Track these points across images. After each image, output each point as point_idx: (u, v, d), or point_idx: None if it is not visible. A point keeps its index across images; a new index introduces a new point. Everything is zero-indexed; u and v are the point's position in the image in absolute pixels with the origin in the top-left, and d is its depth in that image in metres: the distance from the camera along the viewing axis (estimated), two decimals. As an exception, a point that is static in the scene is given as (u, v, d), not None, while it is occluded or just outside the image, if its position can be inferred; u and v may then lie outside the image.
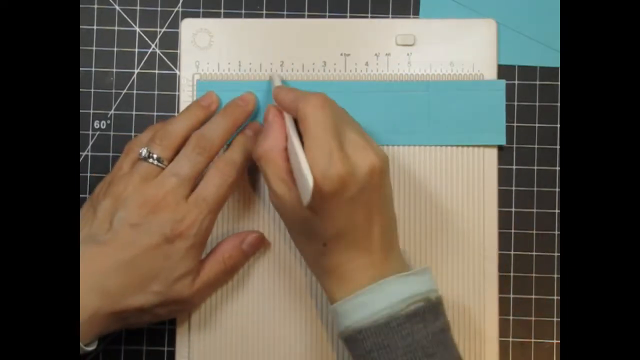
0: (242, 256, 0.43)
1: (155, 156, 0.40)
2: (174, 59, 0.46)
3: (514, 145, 0.46)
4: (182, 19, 0.46)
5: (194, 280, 0.41)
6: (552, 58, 0.46)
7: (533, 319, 0.45)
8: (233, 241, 0.43)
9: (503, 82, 0.45)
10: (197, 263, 0.41)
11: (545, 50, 0.46)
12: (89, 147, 0.46)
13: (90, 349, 0.39)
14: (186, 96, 0.46)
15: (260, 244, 0.44)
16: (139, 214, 0.39)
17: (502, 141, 0.45)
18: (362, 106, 0.45)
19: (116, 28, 0.46)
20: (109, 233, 0.39)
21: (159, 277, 0.39)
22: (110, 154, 0.46)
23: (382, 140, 0.45)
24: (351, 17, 0.46)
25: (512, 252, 0.46)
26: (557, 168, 0.46)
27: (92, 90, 0.46)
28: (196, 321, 0.45)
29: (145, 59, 0.46)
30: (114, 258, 0.38)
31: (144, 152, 0.40)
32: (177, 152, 0.41)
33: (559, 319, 0.45)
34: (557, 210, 0.46)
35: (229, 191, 0.41)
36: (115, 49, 0.46)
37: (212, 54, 0.46)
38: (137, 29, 0.46)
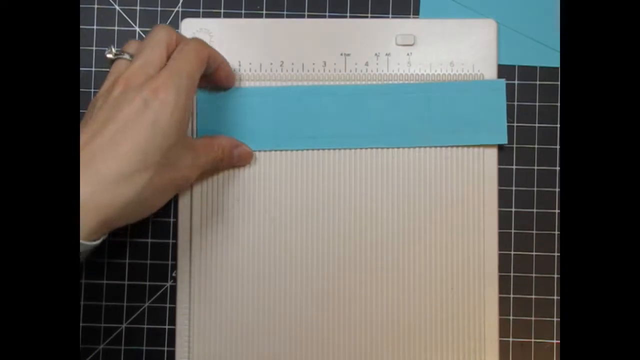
0: (230, 159, 0.44)
1: (128, 54, 0.40)
2: (174, 59, 0.46)
3: (514, 145, 0.46)
4: (182, 19, 0.46)
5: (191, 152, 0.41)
6: (552, 58, 0.46)
7: (533, 319, 0.45)
8: (230, 140, 0.44)
9: (503, 81, 0.45)
10: (187, 137, 0.41)
11: (545, 50, 0.46)
12: (89, 147, 0.46)
13: (94, 243, 0.37)
14: (186, 96, 0.46)
15: (248, 159, 0.45)
16: (118, 92, 0.38)
17: (504, 140, 0.45)
18: (362, 109, 0.45)
19: (116, 28, 0.46)
20: (91, 119, 0.38)
21: (149, 150, 0.37)
22: (110, 154, 0.46)
23: (383, 143, 0.45)
24: (351, 17, 0.46)
25: (512, 252, 0.46)
26: (557, 168, 0.46)
27: (92, 90, 0.46)
28: (196, 321, 0.45)
29: (145, 59, 0.46)
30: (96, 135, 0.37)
31: (114, 50, 0.41)
32: None
33: (559, 319, 0.45)
34: (557, 210, 0.46)
35: (202, 64, 0.40)
36: (115, 49, 0.46)
37: (212, 54, 0.46)
38: (137, 29, 0.46)
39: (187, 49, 0.40)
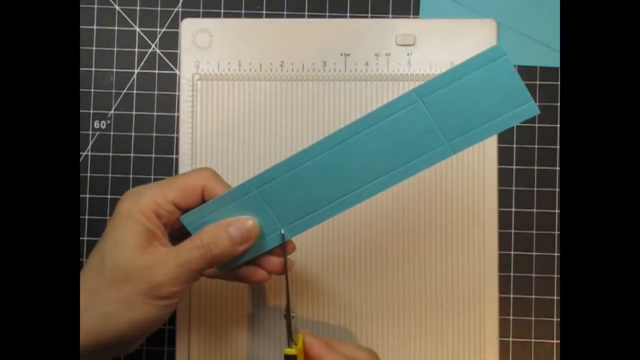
0: (228, 242, 0.36)
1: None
2: (174, 59, 0.46)
3: (514, 145, 0.46)
4: (182, 19, 0.46)
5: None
6: (552, 58, 0.46)
7: (533, 319, 0.45)
8: (213, 226, 0.37)
9: (498, 46, 0.33)
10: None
11: (545, 50, 0.46)
12: (89, 147, 0.46)
13: None
14: (186, 96, 0.46)
15: (254, 232, 0.37)
16: None
17: (535, 110, 0.34)
18: (356, 152, 0.35)
19: (116, 28, 0.47)
20: None
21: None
22: (110, 154, 0.46)
23: (391, 182, 0.35)
24: (351, 17, 0.47)
25: (512, 252, 0.46)
26: (557, 168, 0.46)
27: (92, 90, 0.46)
28: (196, 321, 0.45)
29: (145, 59, 0.46)
30: None
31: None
32: None
33: (559, 319, 0.45)
34: (557, 210, 0.46)
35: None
36: (115, 49, 0.46)
37: (212, 54, 0.46)
38: (137, 29, 0.47)
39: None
